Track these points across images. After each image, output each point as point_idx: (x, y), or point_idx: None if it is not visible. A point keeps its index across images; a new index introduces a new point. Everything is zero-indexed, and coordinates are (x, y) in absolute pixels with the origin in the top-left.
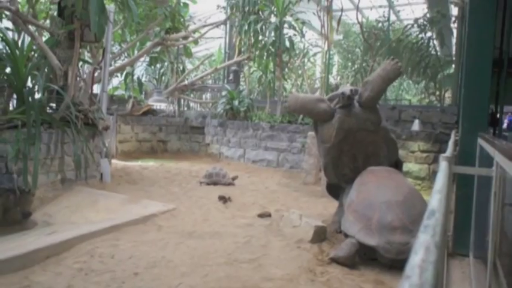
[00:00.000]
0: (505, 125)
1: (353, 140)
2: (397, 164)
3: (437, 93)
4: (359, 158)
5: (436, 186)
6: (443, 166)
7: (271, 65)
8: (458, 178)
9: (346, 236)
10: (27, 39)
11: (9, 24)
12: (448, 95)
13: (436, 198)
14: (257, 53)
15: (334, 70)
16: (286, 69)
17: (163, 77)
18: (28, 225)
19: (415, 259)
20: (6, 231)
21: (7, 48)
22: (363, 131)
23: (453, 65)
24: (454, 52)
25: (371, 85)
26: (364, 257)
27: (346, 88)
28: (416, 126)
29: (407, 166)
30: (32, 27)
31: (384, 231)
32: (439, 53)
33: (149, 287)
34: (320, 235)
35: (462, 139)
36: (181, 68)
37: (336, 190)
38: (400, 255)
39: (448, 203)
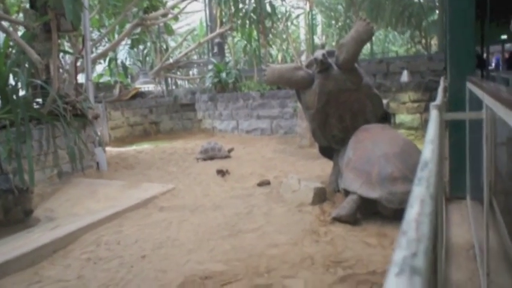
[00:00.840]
0: (493, 65)
1: (337, 102)
2: (386, 117)
3: (423, 41)
4: (346, 117)
5: (427, 136)
6: (433, 115)
7: (254, 33)
8: (450, 124)
9: (347, 193)
10: (2, 36)
11: None
12: (434, 42)
13: (428, 149)
14: (239, 22)
15: (319, 30)
16: (270, 35)
17: (147, 58)
18: (31, 223)
19: (411, 213)
20: (10, 230)
21: None
22: (344, 91)
23: (437, 11)
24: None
25: (345, 47)
26: (365, 211)
27: (318, 52)
28: (405, 77)
29: (399, 118)
30: (5, 23)
31: (385, 183)
32: (421, 1)
33: (158, 268)
34: (320, 196)
35: (451, 85)
36: (164, 46)
37: (329, 151)
38: (402, 204)
39: (442, 151)
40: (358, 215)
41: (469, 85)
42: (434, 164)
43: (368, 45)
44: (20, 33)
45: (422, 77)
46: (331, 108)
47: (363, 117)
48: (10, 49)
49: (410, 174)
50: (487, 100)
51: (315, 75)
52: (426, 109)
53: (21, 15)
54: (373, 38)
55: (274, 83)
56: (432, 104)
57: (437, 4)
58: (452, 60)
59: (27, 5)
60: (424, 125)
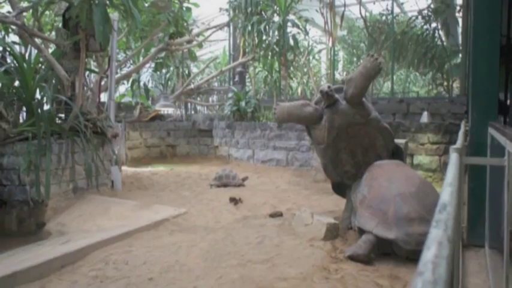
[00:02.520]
0: None
1: (346, 136)
2: (397, 152)
3: (445, 83)
4: (357, 152)
5: (447, 179)
6: (453, 158)
7: (276, 65)
8: (470, 169)
9: (360, 231)
10: (34, 52)
11: (16, 38)
12: (456, 85)
13: (447, 192)
14: (261, 53)
15: (340, 66)
16: (292, 68)
17: (169, 82)
18: (42, 235)
19: (428, 255)
20: (21, 242)
21: (15, 61)
22: (354, 125)
23: (460, 55)
24: (460, 42)
25: (353, 82)
26: (377, 251)
27: (324, 86)
28: (425, 118)
29: (417, 158)
30: (38, 40)
31: (401, 224)
32: (445, 43)
33: None
34: (332, 232)
35: (472, 129)
36: (186, 72)
37: (342, 189)
38: (419, 245)
39: (460, 195)
40: (372, 254)
41: (491, 131)
42: (453, 207)
43: (388, 84)
44: (50, 51)
45: (443, 120)
46: (342, 142)
47: (374, 151)
48: (40, 65)
49: (427, 215)
50: (510, 147)
51: (324, 110)
52: (446, 152)
53: (53, 33)
54: (395, 78)
55: (284, 121)
56: (452, 147)
57: (460, 48)
58: (474, 104)
59: (60, 24)
60: (442, 167)
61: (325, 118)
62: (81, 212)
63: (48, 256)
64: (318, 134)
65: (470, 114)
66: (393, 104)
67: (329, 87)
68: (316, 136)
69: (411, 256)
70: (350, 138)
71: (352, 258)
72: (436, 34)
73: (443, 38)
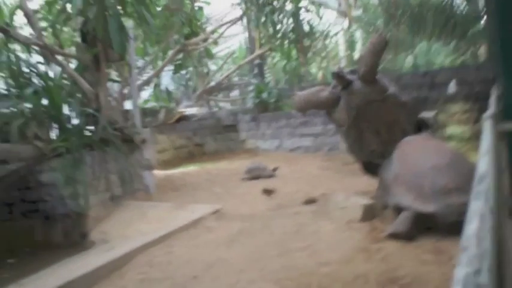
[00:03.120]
0: None
1: (367, 116)
2: (424, 124)
3: (470, 50)
4: (381, 130)
5: (482, 148)
6: (487, 125)
7: (293, 52)
8: (508, 135)
9: (397, 209)
10: (57, 68)
11: (38, 58)
12: (481, 51)
13: (483, 162)
14: (278, 42)
15: (358, 46)
16: (310, 54)
17: (190, 82)
18: (87, 245)
19: (470, 228)
20: (69, 253)
21: (41, 81)
22: (372, 103)
23: (481, 21)
24: (480, 7)
25: (364, 60)
26: (418, 227)
27: (335, 68)
28: (452, 88)
29: (449, 130)
30: (59, 56)
31: (439, 196)
32: (465, 10)
33: None
34: (370, 212)
35: (506, 93)
36: (205, 70)
37: (371, 168)
38: (460, 216)
39: (499, 163)
40: (414, 231)
41: None
42: (491, 177)
43: (410, 58)
44: (72, 66)
45: (471, 87)
46: (363, 122)
47: (399, 126)
48: (64, 81)
49: (465, 185)
50: None
51: (341, 93)
52: (477, 120)
53: (73, 48)
54: (416, 50)
55: (304, 109)
56: (485, 114)
57: (481, 14)
58: (505, 66)
59: (79, 39)
60: (476, 135)
61: (342, 100)
62: (121, 219)
63: (95, 264)
64: (338, 116)
65: (502, 78)
66: (417, 78)
67: (339, 68)
68: (337, 119)
69: (453, 228)
70: (371, 117)
71: (394, 236)
72: (455, 2)
73: (463, 5)
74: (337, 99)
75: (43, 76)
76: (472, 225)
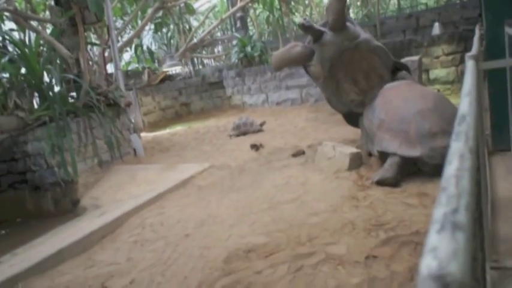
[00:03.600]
0: None
1: (342, 65)
2: (402, 67)
3: None
4: (358, 78)
5: (464, 88)
6: (469, 65)
7: (276, 2)
8: (489, 74)
9: (382, 156)
10: (33, 35)
11: (12, 25)
12: None
13: (465, 102)
14: None
15: None
16: (292, 3)
17: (171, 41)
18: (79, 212)
19: (450, 169)
20: (61, 220)
21: (16, 49)
22: (345, 52)
23: None
24: None
25: (330, 9)
26: (403, 173)
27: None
28: (436, 29)
29: (433, 73)
30: (34, 23)
31: (424, 140)
32: None
33: (202, 245)
34: (356, 161)
35: (488, 31)
36: (187, 27)
37: (352, 118)
38: (444, 159)
39: (480, 103)
40: (399, 176)
41: (508, 30)
42: (472, 117)
43: (395, 0)
44: (48, 31)
45: (456, 27)
46: (339, 72)
47: (376, 72)
48: (41, 47)
49: (449, 128)
50: None
51: (313, 46)
52: (462, 61)
53: (47, 13)
54: None
55: (281, 67)
56: (468, 54)
57: None
58: (487, 4)
59: (52, 2)
60: (460, 77)
61: (316, 53)
62: (111, 184)
63: (88, 229)
64: (314, 70)
65: (484, 16)
66: (402, 20)
67: (304, 19)
68: (312, 73)
69: (438, 171)
70: (346, 65)
71: (381, 183)
72: None
73: None
74: (311, 53)
75: (18, 44)
76: (452, 166)
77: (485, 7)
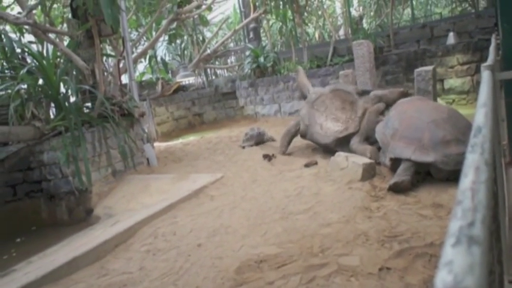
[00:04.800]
0: None
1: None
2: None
3: None
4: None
5: (480, 99)
6: (485, 76)
7: (289, 13)
8: (506, 83)
9: (395, 164)
10: (51, 47)
11: (31, 37)
12: None
13: (481, 113)
14: (272, 4)
15: (355, 1)
16: (305, 13)
17: (185, 52)
18: (92, 221)
19: (466, 181)
20: (74, 229)
21: (35, 60)
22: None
23: None
24: None
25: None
26: (418, 179)
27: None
28: (451, 39)
29: (448, 83)
30: (52, 35)
31: (438, 147)
32: None
33: (214, 255)
34: (369, 172)
35: (504, 41)
36: (200, 38)
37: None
38: (458, 165)
39: (497, 114)
40: (414, 180)
41: None
42: (488, 128)
43: (408, 10)
44: (65, 43)
45: (471, 37)
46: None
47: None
48: (58, 59)
49: (462, 137)
50: None
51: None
52: (477, 71)
53: (65, 25)
54: (414, 2)
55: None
56: (483, 64)
57: None
58: (504, 13)
59: (70, 15)
60: (476, 87)
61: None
62: (124, 193)
63: (101, 238)
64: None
65: (500, 26)
66: (416, 30)
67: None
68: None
69: (451, 177)
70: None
71: (396, 187)
72: None
73: None
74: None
75: (36, 55)
76: (467, 179)
77: (501, 16)
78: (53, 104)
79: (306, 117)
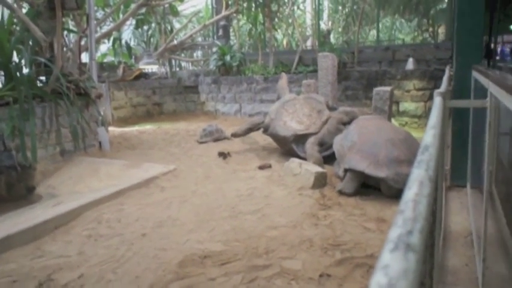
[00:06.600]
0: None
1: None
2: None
3: (431, 29)
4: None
5: (430, 121)
6: (437, 101)
7: (260, 17)
8: (454, 112)
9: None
10: (6, 12)
11: None
12: (441, 30)
13: (430, 134)
14: (245, 5)
15: (325, 15)
16: (276, 19)
17: (151, 39)
18: (34, 199)
19: (409, 193)
20: (13, 206)
21: None
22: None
23: (444, 1)
24: None
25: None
26: (366, 195)
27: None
28: (410, 65)
29: (403, 105)
30: (9, 0)
31: (391, 165)
32: None
33: (158, 246)
34: (321, 181)
35: (456, 73)
36: (169, 28)
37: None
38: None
39: (443, 138)
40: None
41: (475, 74)
42: (435, 148)
43: (374, 32)
44: (24, 11)
45: (428, 66)
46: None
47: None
48: (14, 26)
49: (414, 159)
50: (492, 88)
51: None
52: (431, 97)
53: None
54: (380, 25)
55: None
56: (436, 91)
57: None
58: (458, 48)
59: None
60: (428, 113)
61: None
62: (71, 174)
63: (41, 218)
64: None
65: (454, 59)
66: (379, 52)
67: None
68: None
69: (399, 196)
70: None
71: (341, 193)
72: None
73: None
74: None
75: None
76: (411, 191)
77: (456, 51)
78: (2, 73)
79: (273, 113)
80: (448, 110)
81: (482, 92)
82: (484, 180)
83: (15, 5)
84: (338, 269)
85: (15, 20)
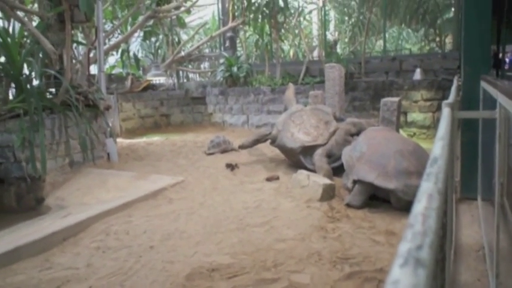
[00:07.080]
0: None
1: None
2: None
3: (438, 39)
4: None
5: (438, 133)
6: (445, 113)
7: (267, 28)
8: (463, 123)
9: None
10: (18, 25)
11: None
12: (448, 40)
13: (438, 146)
14: (251, 16)
15: (331, 26)
16: (283, 30)
17: (159, 51)
18: (43, 210)
19: (418, 207)
20: (22, 217)
21: None
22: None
23: (452, 9)
24: None
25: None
26: (374, 207)
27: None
28: (418, 75)
29: (411, 116)
30: (20, 13)
31: (401, 176)
32: None
33: (166, 259)
34: (329, 193)
35: (465, 83)
36: (176, 39)
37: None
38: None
39: (452, 150)
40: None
41: (483, 84)
42: (444, 160)
43: (380, 42)
44: (34, 24)
45: (436, 76)
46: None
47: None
48: (24, 39)
49: (424, 171)
50: (501, 99)
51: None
52: (439, 108)
53: (36, 5)
54: (387, 35)
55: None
56: (445, 102)
57: (452, 1)
58: (466, 58)
59: None
60: (436, 124)
61: None
62: (79, 186)
63: (49, 230)
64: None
65: (463, 69)
66: (386, 62)
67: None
68: None
69: (408, 208)
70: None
71: (349, 206)
72: None
73: None
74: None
75: (0, 31)
76: (420, 204)
77: (464, 61)
78: (13, 85)
79: (280, 124)
80: (457, 121)
81: (491, 103)
82: (495, 192)
83: (25, 19)
84: (347, 284)
85: (25, 33)
